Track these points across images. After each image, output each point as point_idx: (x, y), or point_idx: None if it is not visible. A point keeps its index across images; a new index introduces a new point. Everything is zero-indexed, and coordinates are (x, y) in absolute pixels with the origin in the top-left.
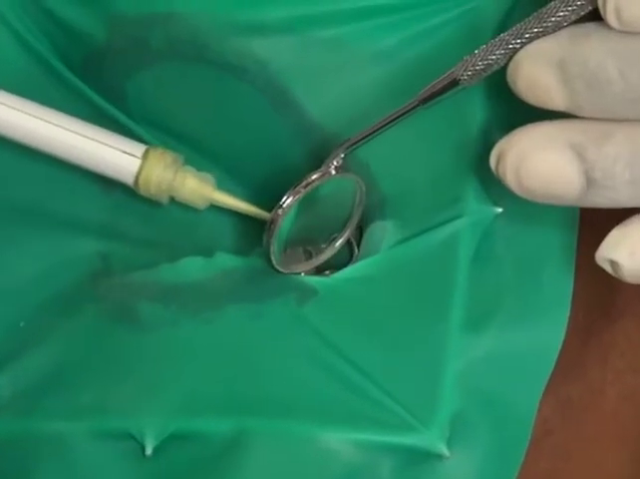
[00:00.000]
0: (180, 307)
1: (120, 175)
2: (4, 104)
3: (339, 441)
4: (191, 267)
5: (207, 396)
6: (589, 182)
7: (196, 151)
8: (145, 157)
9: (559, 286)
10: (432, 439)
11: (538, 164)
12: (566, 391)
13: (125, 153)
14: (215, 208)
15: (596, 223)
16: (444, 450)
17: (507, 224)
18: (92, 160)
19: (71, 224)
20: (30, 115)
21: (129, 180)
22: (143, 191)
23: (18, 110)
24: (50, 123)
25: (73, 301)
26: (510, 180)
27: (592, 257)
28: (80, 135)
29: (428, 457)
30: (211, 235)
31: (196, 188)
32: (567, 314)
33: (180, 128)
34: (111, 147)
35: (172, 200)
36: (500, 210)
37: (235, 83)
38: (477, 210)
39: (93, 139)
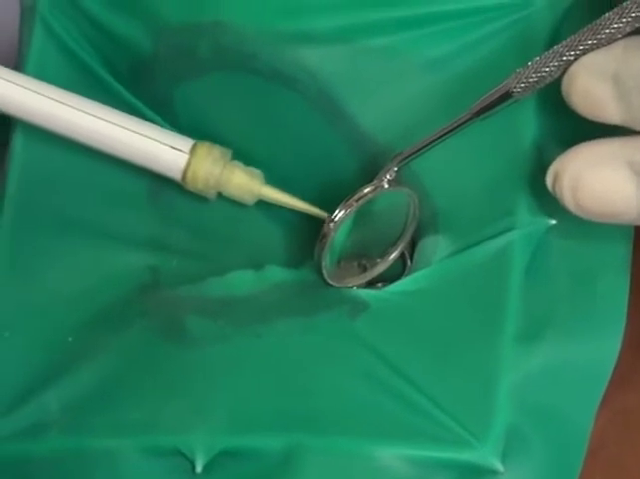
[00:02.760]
0: (230, 322)
1: (168, 170)
2: (56, 99)
3: (392, 457)
4: (241, 281)
5: (258, 412)
6: None
7: (246, 162)
8: (193, 151)
9: (614, 298)
10: (486, 455)
11: (596, 183)
12: (622, 403)
13: (173, 147)
14: (267, 219)
15: None
16: (498, 466)
17: (561, 236)
18: (140, 155)
19: (119, 237)
20: (80, 110)
21: (177, 175)
22: (191, 186)
23: (69, 105)
24: (99, 118)
25: (121, 316)
26: (568, 200)
27: None
28: (128, 130)
29: (482, 473)
30: (261, 247)
31: (245, 182)
32: (623, 326)
33: (229, 138)
34: (159, 142)
35: (220, 195)
36: (554, 221)
37: (285, 93)
38: (530, 221)
39: (141, 134)
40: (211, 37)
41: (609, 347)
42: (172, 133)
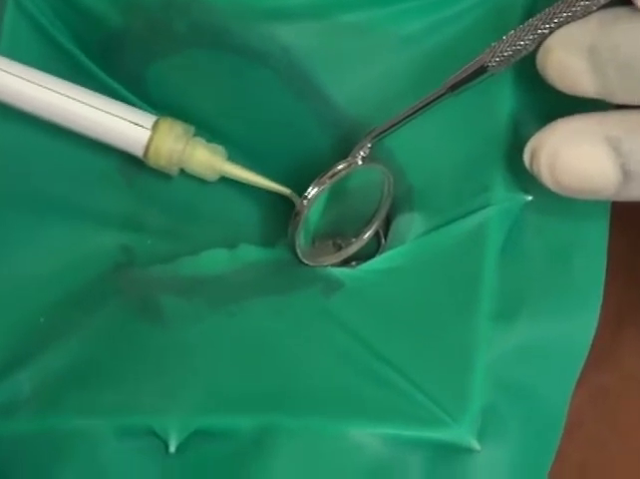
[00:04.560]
0: (204, 301)
1: (129, 146)
2: (14, 74)
3: (367, 436)
4: (215, 260)
5: (232, 392)
6: (626, 175)
7: (218, 139)
8: (155, 128)
9: (591, 275)
10: (462, 433)
11: (573, 159)
12: (599, 381)
13: (134, 124)
14: (241, 197)
15: (629, 210)
16: (474, 444)
17: (537, 212)
18: (101, 131)
19: (93, 216)
20: (40, 85)
21: (138, 151)
22: (152, 162)
23: (27, 80)
24: (59, 93)
25: (95, 296)
26: (546, 177)
27: (624, 245)
28: (89, 106)
29: (458, 451)
30: (236, 226)
31: (206, 159)
32: (599, 304)
33: (201, 116)
34: (120, 118)
35: (182, 172)
36: (530, 198)
37: (258, 69)
38: (505, 198)
39: (103, 110)
40: (184, 13)
41: (586, 325)
42: (134, 109)
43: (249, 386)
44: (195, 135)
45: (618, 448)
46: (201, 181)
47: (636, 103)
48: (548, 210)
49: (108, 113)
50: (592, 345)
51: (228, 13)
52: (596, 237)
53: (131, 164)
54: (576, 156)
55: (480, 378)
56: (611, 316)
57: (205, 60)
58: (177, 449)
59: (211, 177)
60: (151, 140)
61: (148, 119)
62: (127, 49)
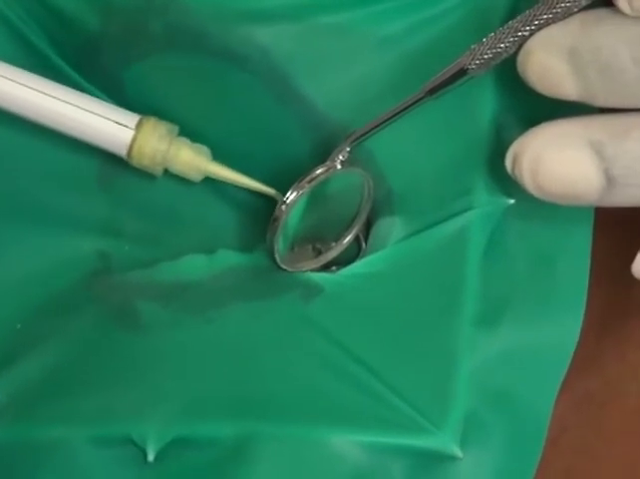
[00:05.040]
0: (182, 307)
1: (112, 146)
2: None
3: (348, 444)
4: (193, 265)
5: (210, 399)
6: (609, 181)
7: (196, 143)
8: (138, 127)
9: (574, 280)
10: (444, 440)
11: (556, 164)
12: (583, 387)
13: (118, 123)
14: (219, 202)
15: (612, 214)
16: (457, 451)
17: (520, 216)
18: (84, 131)
19: (69, 221)
20: (21, 83)
21: (122, 151)
22: (136, 162)
23: (8, 78)
24: (41, 92)
25: (71, 302)
26: (528, 182)
27: (608, 250)
28: (72, 105)
29: (440, 459)
30: (214, 230)
31: (191, 159)
32: (583, 309)
33: (180, 119)
34: (103, 117)
35: (166, 172)
36: (512, 201)
37: (236, 72)
38: (487, 201)
39: (85, 109)
40: (161, 16)
41: (569, 331)
42: (117, 108)
43: (229, 393)
44: (180, 135)
45: (603, 454)
46: (180, 185)
47: (619, 106)
48: (531, 214)
49: (90, 112)
50: (576, 351)
51: (206, 15)
52: (580, 241)
53: (109, 167)
54: (559, 161)
55: (462, 384)
56: (595, 321)
57: (183, 63)
58: (156, 458)
59: (196, 177)
60: (134, 139)
61: (131, 118)
62: (103, 52)
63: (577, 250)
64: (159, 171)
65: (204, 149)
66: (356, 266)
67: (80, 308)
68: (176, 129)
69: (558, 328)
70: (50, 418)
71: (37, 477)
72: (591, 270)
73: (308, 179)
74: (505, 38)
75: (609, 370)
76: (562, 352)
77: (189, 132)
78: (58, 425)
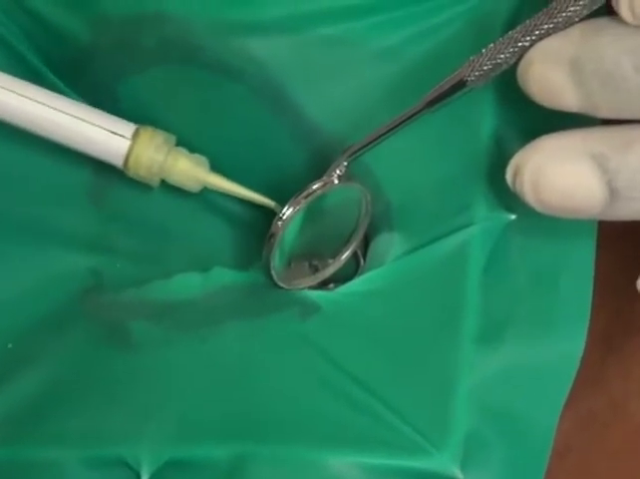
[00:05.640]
0: (175, 326)
1: (108, 156)
2: None
3: (346, 466)
4: (186, 284)
5: (205, 420)
6: (612, 193)
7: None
8: (134, 137)
9: (577, 297)
10: (444, 462)
11: (558, 177)
12: (587, 406)
13: (114, 133)
14: (214, 217)
15: (615, 228)
16: (457, 473)
17: (521, 232)
18: (79, 140)
19: (59, 237)
20: (16, 92)
21: (118, 161)
22: (132, 173)
23: (4, 87)
24: (37, 101)
25: (63, 321)
26: (529, 196)
27: (611, 265)
28: (67, 114)
29: None
30: (208, 247)
31: (189, 169)
32: (586, 326)
33: (175, 132)
34: (99, 127)
35: (163, 183)
36: (513, 216)
37: (231, 85)
38: (487, 217)
39: (81, 118)
40: (154, 29)
41: (573, 348)
42: (113, 117)
43: (223, 414)
44: (177, 145)
45: (607, 474)
46: (173, 200)
47: (621, 117)
48: (533, 229)
49: (85, 121)
50: (580, 369)
51: (200, 28)
52: (583, 257)
53: (100, 182)
54: (561, 174)
55: (462, 404)
56: (599, 338)
57: (177, 76)
58: None
59: (194, 188)
60: (130, 149)
61: (127, 128)
62: (96, 66)
63: (580, 266)
64: (155, 181)
65: (203, 159)
66: (354, 284)
67: (71, 327)
68: (174, 139)
69: (561, 345)
70: (41, 439)
71: None
72: (595, 286)
73: (305, 194)
74: (505, 49)
75: (614, 388)
76: (566, 370)
77: (185, 144)
78: (49, 446)
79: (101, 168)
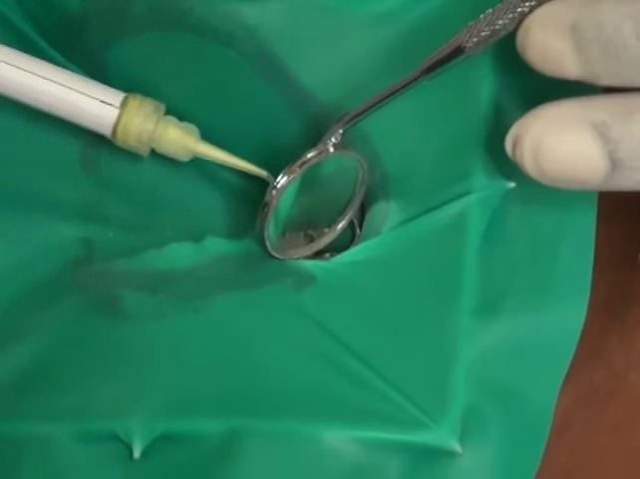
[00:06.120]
0: (168, 296)
1: (96, 125)
2: None
3: (342, 440)
4: (180, 253)
5: (198, 393)
6: (614, 163)
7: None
8: (123, 106)
9: (578, 267)
10: (443, 436)
11: (558, 146)
12: (588, 379)
13: (102, 102)
14: (208, 186)
15: (616, 198)
16: (456, 447)
17: (521, 200)
18: (67, 109)
19: (49, 206)
20: (3, 61)
21: (106, 130)
22: (121, 142)
23: None
24: (23, 69)
25: (53, 292)
26: (529, 165)
27: (612, 237)
28: (54, 82)
29: (439, 455)
30: (201, 216)
31: (179, 138)
32: (587, 296)
33: (164, 100)
34: (87, 95)
35: (153, 152)
36: (513, 184)
37: (222, 51)
38: (486, 185)
39: (68, 86)
40: None
41: (573, 319)
42: (102, 85)
43: (217, 387)
44: (167, 113)
45: (607, 451)
46: (166, 168)
47: (623, 85)
48: (532, 197)
49: (73, 89)
50: (580, 341)
51: None
52: (583, 225)
53: (92, 150)
54: (562, 143)
55: (461, 377)
56: (600, 309)
57: (168, 42)
58: (142, 454)
59: (184, 157)
60: (119, 118)
61: (116, 96)
62: (86, 32)
63: (581, 235)
64: (145, 151)
65: (193, 128)
66: (350, 254)
67: (61, 298)
68: (163, 107)
69: (561, 317)
70: (32, 414)
71: (18, 474)
72: (595, 256)
73: (299, 162)
74: (504, 15)
75: (614, 361)
76: (566, 342)
77: (175, 112)
78: (39, 420)
79: (92, 136)
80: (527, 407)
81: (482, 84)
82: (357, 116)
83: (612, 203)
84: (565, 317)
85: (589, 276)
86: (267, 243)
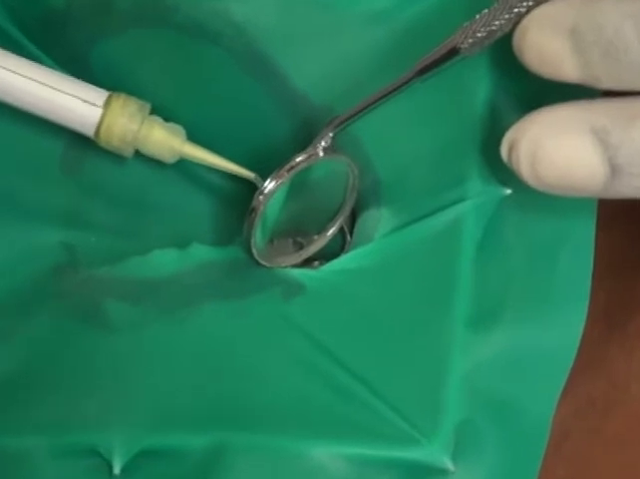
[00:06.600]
0: (151, 305)
1: (78, 125)
2: None
3: (330, 456)
4: (164, 261)
5: (181, 407)
6: (613, 170)
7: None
8: (106, 105)
9: (577, 276)
10: (435, 453)
11: (556, 152)
12: (586, 390)
13: (84, 101)
14: (193, 190)
15: (616, 206)
16: (448, 464)
17: (517, 207)
18: (48, 109)
19: (29, 210)
20: None
21: (89, 131)
22: (104, 143)
23: None
24: (4, 68)
25: (33, 299)
26: (526, 172)
27: (611, 244)
28: (36, 81)
29: (430, 472)
30: (187, 221)
31: (164, 139)
32: (586, 306)
33: (150, 99)
34: (69, 94)
35: (137, 153)
36: (509, 191)
37: (210, 49)
38: (482, 191)
39: (50, 86)
40: None
41: (571, 330)
42: (84, 84)
43: (201, 400)
44: (151, 114)
45: (606, 463)
46: (150, 171)
47: (624, 88)
48: (529, 204)
49: (55, 89)
50: (579, 351)
51: None
52: (582, 233)
53: (74, 151)
54: (560, 148)
55: (454, 391)
56: (599, 319)
57: (153, 40)
58: (122, 470)
59: (169, 158)
60: (102, 118)
61: (99, 95)
62: (69, 28)
63: (579, 243)
64: (129, 152)
65: (178, 128)
66: (340, 262)
67: (42, 306)
68: (148, 107)
69: (560, 328)
70: (9, 427)
71: None
72: (594, 265)
73: (288, 167)
74: (500, 15)
75: (613, 372)
76: (564, 353)
77: (160, 112)
78: (17, 434)
79: (75, 137)
80: (524, 420)
81: (478, 86)
82: (348, 119)
83: (612, 209)
84: (564, 326)
85: (588, 285)
86: (254, 251)
